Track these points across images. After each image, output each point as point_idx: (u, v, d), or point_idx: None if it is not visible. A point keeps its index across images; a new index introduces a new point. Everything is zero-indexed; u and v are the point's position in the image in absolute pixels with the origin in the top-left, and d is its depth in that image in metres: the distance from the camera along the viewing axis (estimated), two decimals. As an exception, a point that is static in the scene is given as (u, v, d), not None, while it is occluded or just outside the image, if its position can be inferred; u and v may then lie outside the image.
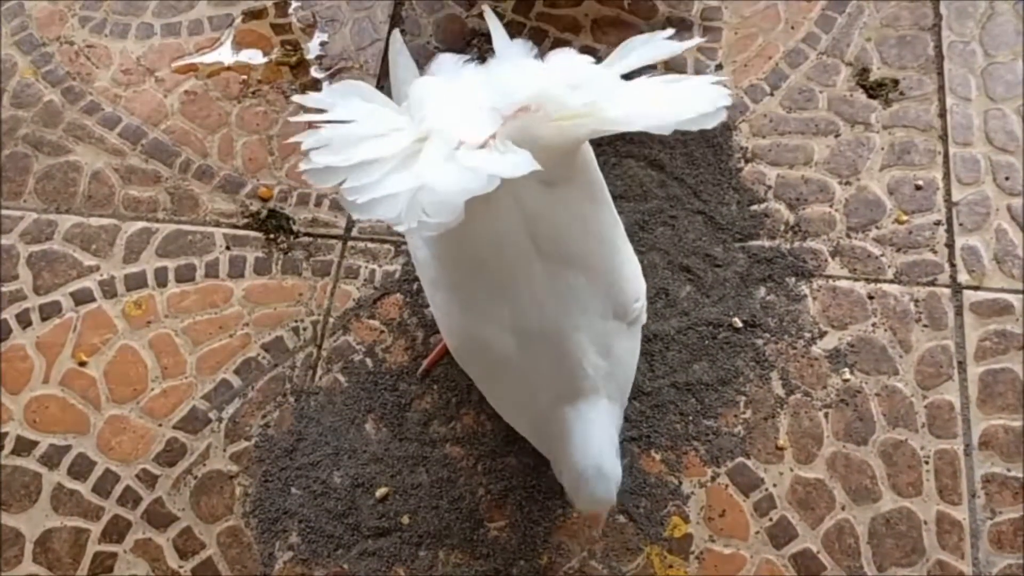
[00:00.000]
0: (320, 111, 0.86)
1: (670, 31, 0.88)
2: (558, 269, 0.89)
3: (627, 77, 0.87)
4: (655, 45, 0.88)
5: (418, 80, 0.93)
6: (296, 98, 0.89)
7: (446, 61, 0.94)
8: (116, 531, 1.15)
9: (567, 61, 0.88)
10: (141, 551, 1.14)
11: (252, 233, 1.31)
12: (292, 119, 0.85)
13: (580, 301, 0.90)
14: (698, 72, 1.37)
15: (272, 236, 1.30)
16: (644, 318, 0.99)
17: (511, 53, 0.91)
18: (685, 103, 0.81)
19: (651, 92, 0.86)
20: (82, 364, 1.23)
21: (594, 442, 0.90)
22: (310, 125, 0.85)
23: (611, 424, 0.92)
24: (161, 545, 1.14)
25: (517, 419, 1.01)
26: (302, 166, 0.83)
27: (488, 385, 1.02)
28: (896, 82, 1.35)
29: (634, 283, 0.97)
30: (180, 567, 1.13)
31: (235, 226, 1.31)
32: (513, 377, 0.94)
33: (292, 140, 0.84)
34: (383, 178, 0.80)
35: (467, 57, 0.93)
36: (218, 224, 1.31)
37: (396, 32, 1.04)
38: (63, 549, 1.14)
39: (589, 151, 0.94)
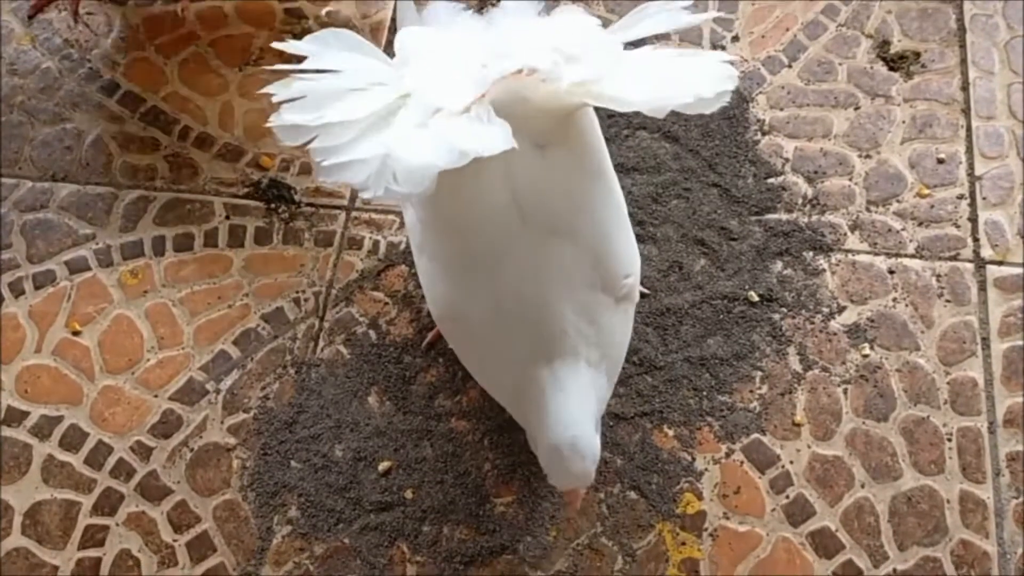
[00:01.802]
0: (301, 59, 0.81)
1: (687, 1, 0.83)
2: (543, 237, 0.84)
3: (634, 45, 0.82)
4: (669, 15, 0.82)
5: (406, 30, 0.88)
6: (276, 44, 0.84)
7: (441, 10, 0.90)
8: (108, 504, 1.11)
9: (571, 24, 0.83)
10: (134, 524, 1.10)
11: (252, 202, 1.27)
12: (270, 67, 0.79)
13: (565, 272, 0.85)
14: (714, 44, 1.34)
15: (273, 206, 1.26)
16: (636, 296, 0.95)
17: (516, 7, 0.87)
18: (685, 85, 0.76)
19: (652, 68, 0.80)
20: (76, 333, 1.19)
21: (571, 414, 0.84)
22: (289, 74, 0.80)
23: (592, 394, 0.86)
24: (155, 518, 1.10)
25: (496, 389, 0.96)
26: (270, 120, 0.78)
27: (468, 354, 0.97)
28: (918, 55, 1.31)
29: (625, 258, 0.91)
30: (174, 540, 1.09)
31: (235, 195, 1.27)
32: (492, 347, 0.89)
33: (264, 91, 0.78)
34: (352, 141, 0.75)
35: (463, 5, 0.89)
36: (218, 193, 1.28)
37: None
38: (53, 522, 1.10)
39: (590, 117, 0.89)
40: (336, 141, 0.75)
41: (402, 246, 1.23)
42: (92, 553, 1.08)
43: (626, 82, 0.77)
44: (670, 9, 0.82)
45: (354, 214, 1.26)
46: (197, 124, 1.32)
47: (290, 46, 0.82)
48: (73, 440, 1.14)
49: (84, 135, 1.32)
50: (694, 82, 0.75)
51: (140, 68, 1.37)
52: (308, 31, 1.38)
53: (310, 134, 0.76)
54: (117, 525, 1.10)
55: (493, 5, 0.87)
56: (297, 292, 1.21)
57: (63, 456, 1.13)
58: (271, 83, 0.79)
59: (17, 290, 1.22)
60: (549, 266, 0.84)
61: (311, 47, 0.83)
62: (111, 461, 1.13)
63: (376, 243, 1.23)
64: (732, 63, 0.78)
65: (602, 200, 0.89)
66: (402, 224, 1.24)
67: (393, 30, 1.36)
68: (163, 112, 1.33)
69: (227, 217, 1.26)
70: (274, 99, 0.78)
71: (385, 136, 0.75)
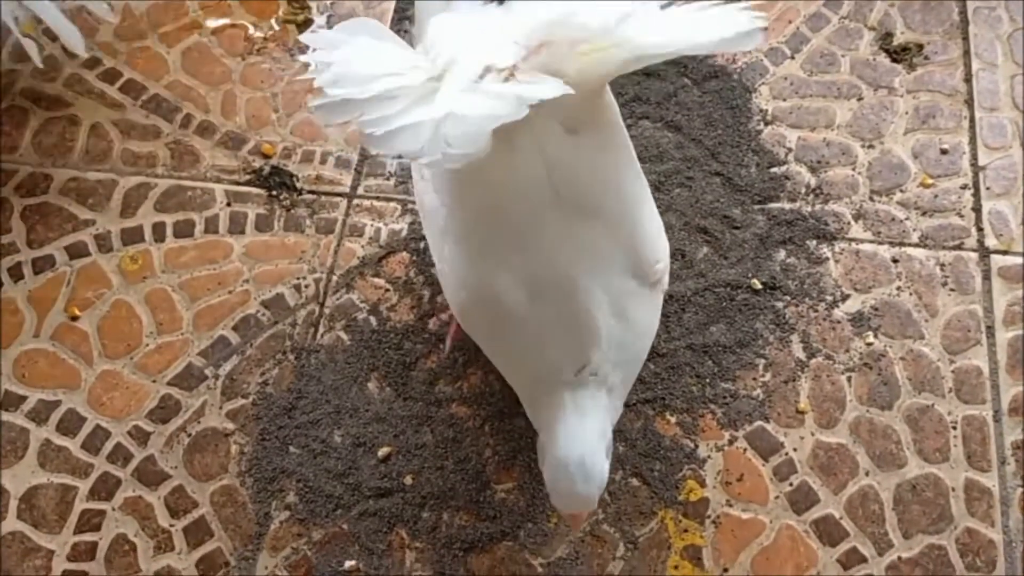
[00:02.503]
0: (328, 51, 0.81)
1: None
2: (577, 219, 0.83)
3: None
4: None
5: (435, 18, 0.88)
6: (303, 37, 0.83)
7: (464, 5, 0.89)
8: (105, 489, 1.10)
9: None
10: (131, 509, 1.08)
11: (254, 189, 1.26)
12: (301, 57, 0.78)
13: (597, 254, 0.84)
14: (716, 35, 1.34)
15: (274, 193, 1.26)
16: (666, 283, 0.94)
17: None
18: (721, 24, 0.75)
19: (684, 17, 0.79)
20: (74, 318, 1.19)
21: (584, 435, 0.84)
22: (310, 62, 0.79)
23: (607, 419, 0.87)
24: (152, 503, 1.09)
25: (518, 380, 0.95)
26: (313, 102, 0.77)
27: (494, 342, 0.96)
28: (920, 47, 1.31)
29: (656, 242, 0.91)
30: (171, 525, 1.07)
31: (236, 182, 1.27)
32: (521, 332, 0.88)
33: (302, 77, 0.77)
34: (404, 109, 0.74)
35: (486, 1, 0.88)
36: (219, 180, 1.27)
37: None
38: (49, 506, 1.09)
39: (613, 103, 0.88)
40: (387, 111, 0.74)
41: (403, 233, 1.22)
42: (88, 537, 1.07)
43: (663, 29, 0.77)
44: None
45: (356, 201, 1.25)
46: (199, 112, 1.32)
47: (317, 38, 0.81)
48: (71, 425, 1.13)
49: (85, 122, 1.32)
50: (729, 21, 0.75)
51: (142, 56, 1.36)
52: (310, 21, 1.38)
53: (357, 109, 0.74)
54: (114, 510, 1.09)
55: None
56: (298, 278, 1.20)
57: (60, 441, 1.12)
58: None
59: (16, 275, 1.21)
60: (583, 247, 0.83)
61: (339, 36, 0.82)
62: (108, 446, 1.12)
63: (378, 230, 1.23)
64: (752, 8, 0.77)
65: (632, 183, 0.89)
66: (404, 212, 1.24)
67: (397, 20, 1.36)
68: (165, 100, 1.33)
69: (228, 204, 1.25)
70: (316, 82, 0.76)
71: (437, 100, 0.74)
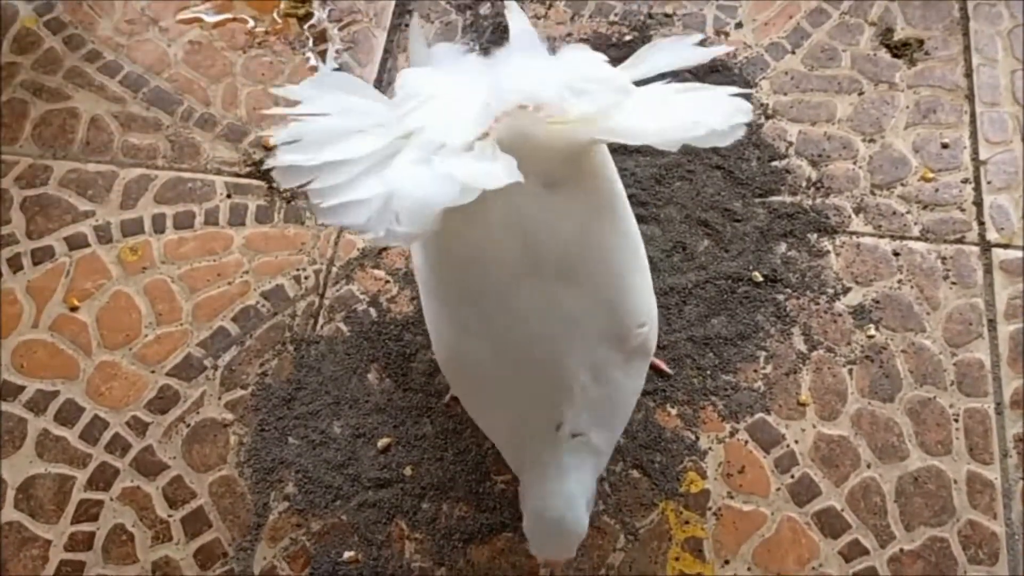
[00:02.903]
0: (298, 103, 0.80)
1: (698, 36, 0.81)
2: (554, 284, 0.79)
3: (645, 82, 0.80)
4: (679, 51, 0.81)
5: (406, 71, 0.86)
6: (274, 90, 0.84)
7: (443, 51, 0.88)
8: (103, 479, 1.09)
9: (577, 59, 0.81)
10: (128, 499, 1.08)
11: (254, 181, 1.26)
12: (266, 112, 0.79)
13: (573, 321, 0.79)
14: (717, 30, 1.34)
15: (275, 185, 1.25)
16: (653, 345, 0.89)
17: (521, 45, 0.85)
18: (696, 118, 0.73)
19: (662, 102, 0.77)
20: (73, 309, 1.18)
21: (565, 495, 0.81)
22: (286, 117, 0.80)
23: (590, 475, 0.83)
24: (150, 493, 1.08)
25: (497, 437, 0.92)
26: (268, 163, 0.78)
27: (472, 400, 0.92)
28: (921, 42, 1.31)
29: (639, 304, 0.85)
30: (169, 516, 1.07)
31: (237, 174, 1.27)
32: (495, 393, 0.85)
33: (263, 135, 0.77)
34: (353, 180, 0.74)
35: (466, 48, 0.87)
36: (219, 172, 1.27)
37: (415, 18, 0.98)
38: (46, 496, 1.08)
39: (604, 155, 0.85)
40: (334, 181, 0.74)
41: (404, 226, 1.22)
42: (85, 528, 1.07)
43: (635, 116, 0.75)
44: (680, 43, 0.81)
45: (356, 194, 1.25)
46: (200, 105, 1.32)
47: (288, 91, 0.82)
48: (69, 415, 1.12)
49: (85, 114, 1.31)
50: (707, 115, 0.73)
51: (143, 50, 1.36)
52: (311, 14, 1.38)
53: (308, 175, 0.74)
54: (111, 500, 1.08)
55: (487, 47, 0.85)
56: (297, 270, 1.20)
57: (58, 431, 1.12)
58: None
59: (15, 266, 1.21)
60: (559, 314, 0.79)
61: (307, 91, 0.82)
62: (107, 436, 1.11)
63: (378, 222, 1.22)
64: (746, 96, 0.75)
65: (616, 243, 0.84)
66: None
67: (398, 15, 1.36)
68: (166, 93, 1.33)
69: (228, 196, 1.25)
70: (271, 141, 0.77)
71: (386, 175, 0.73)
